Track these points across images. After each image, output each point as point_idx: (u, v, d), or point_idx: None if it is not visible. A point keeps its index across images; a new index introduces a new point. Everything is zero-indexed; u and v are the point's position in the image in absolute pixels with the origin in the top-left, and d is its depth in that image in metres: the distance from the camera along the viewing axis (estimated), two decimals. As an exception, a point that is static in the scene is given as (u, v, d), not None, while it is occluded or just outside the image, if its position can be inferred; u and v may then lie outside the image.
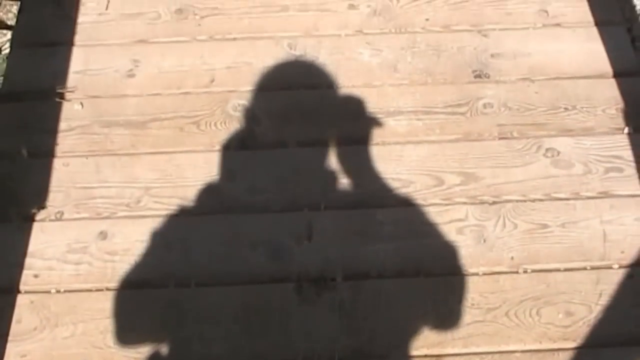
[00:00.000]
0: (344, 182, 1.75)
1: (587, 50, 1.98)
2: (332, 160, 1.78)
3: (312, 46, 1.96)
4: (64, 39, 2.02)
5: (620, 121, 1.86)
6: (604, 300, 1.62)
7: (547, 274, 1.65)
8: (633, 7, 2.07)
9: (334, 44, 1.97)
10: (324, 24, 2.01)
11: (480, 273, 1.65)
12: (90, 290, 1.64)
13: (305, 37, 1.98)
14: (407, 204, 1.73)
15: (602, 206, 1.73)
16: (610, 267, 1.66)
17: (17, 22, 2.10)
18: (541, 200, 1.74)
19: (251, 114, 1.85)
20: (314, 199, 1.73)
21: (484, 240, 1.68)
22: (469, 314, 1.60)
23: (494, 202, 1.73)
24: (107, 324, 1.59)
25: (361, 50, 1.96)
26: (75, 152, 1.82)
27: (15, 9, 2.45)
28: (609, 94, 1.90)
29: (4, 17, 2.48)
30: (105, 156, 1.81)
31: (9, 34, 2.34)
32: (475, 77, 1.92)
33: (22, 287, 1.64)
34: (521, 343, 1.58)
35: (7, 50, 2.10)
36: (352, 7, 2.05)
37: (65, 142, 1.83)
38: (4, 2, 2.43)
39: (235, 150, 1.81)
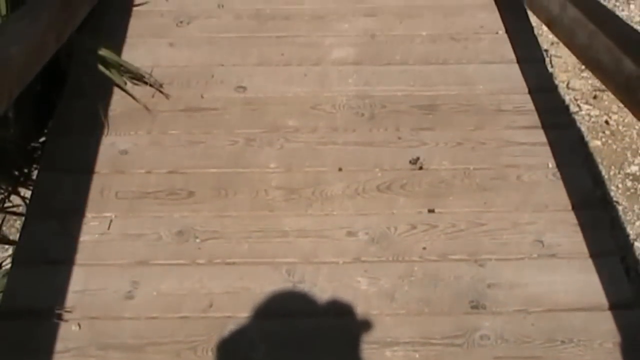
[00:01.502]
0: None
1: (582, 281, 2.10)
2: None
3: (310, 273, 2.08)
4: (65, 257, 2.13)
5: (617, 355, 1.94)
6: None
7: None
8: (626, 236, 2.21)
9: (332, 271, 2.09)
10: (322, 251, 2.13)
11: None
12: None
13: (304, 263, 2.10)
14: None
15: None
16: None
17: (19, 237, 2.22)
18: None
19: (248, 340, 1.93)
20: None
21: None
22: None
23: None
24: None
25: (359, 278, 2.07)
26: (69, 374, 1.88)
27: (18, 224, 2.60)
28: (605, 326, 1.99)
29: (7, 232, 2.62)
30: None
31: (10, 250, 2.47)
32: (472, 307, 2.02)
33: None
34: None
35: (8, 266, 2.21)
36: (350, 234, 2.18)
37: (59, 363, 1.90)
38: (7, 217, 2.58)
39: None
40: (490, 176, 2.36)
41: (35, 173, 2.57)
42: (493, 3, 3.03)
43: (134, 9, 3.00)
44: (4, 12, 2.41)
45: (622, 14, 3.91)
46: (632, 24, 3.74)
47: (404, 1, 3.03)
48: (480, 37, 2.87)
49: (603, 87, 2.29)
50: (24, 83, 1.95)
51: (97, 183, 2.33)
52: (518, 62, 2.77)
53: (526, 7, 2.83)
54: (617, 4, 3.97)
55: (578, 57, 2.28)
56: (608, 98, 3.30)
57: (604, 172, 3.05)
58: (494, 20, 2.94)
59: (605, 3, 3.97)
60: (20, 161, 2.63)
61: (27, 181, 2.60)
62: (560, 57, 3.33)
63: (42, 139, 2.68)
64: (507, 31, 2.90)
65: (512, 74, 2.71)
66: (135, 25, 2.92)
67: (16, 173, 2.61)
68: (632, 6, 3.95)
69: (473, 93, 2.63)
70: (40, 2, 2.28)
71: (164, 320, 1.98)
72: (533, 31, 2.92)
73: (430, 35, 2.87)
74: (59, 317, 1.99)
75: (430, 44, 2.84)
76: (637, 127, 3.21)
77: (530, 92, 2.64)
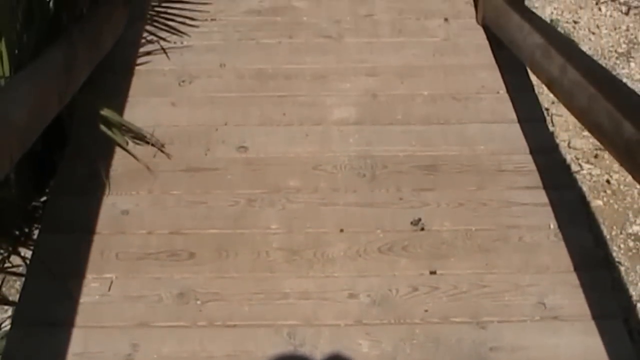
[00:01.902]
0: None
1: (585, 344, 2.11)
2: None
3: (312, 336, 2.09)
4: (64, 318, 2.15)
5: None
6: None
7: None
8: (629, 297, 2.22)
9: (333, 334, 2.10)
10: (323, 313, 2.15)
11: None
12: None
13: (305, 326, 2.12)
14: None
15: None
16: None
17: (19, 298, 2.24)
18: None
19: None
20: None
21: None
22: None
23: None
24: None
25: (360, 341, 2.08)
26: None
27: (18, 284, 2.61)
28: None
29: (6, 293, 2.64)
30: None
31: (10, 311, 2.48)
32: (475, 372, 2.03)
33: None
34: None
35: (7, 328, 2.23)
36: (352, 296, 2.20)
37: None
38: (7, 277, 2.60)
39: None
40: (492, 237, 2.38)
41: (35, 233, 2.59)
42: (494, 62, 3.08)
43: (136, 68, 3.05)
44: (7, 73, 2.46)
45: (623, 71, 3.97)
46: (632, 82, 3.82)
47: (405, 60, 3.08)
48: (481, 97, 2.91)
49: (604, 147, 2.32)
50: (26, 146, 1.99)
51: (97, 243, 2.35)
52: (519, 121, 2.81)
53: (527, 67, 2.88)
54: (618, 61, 4.04)
55: (578, 119, 2.33)
56: (609, 157, 3.34)
57: (605, 232, 3.08)
58: (494, 79, 2.99)
59: (605, 61, 4.04)
60: (20, 221, 2.65)
61: (28, 241, 2.62)
62: (561, 115, 3.38)
63: (43, 199, 2.71)
64: (507, 91, 2.94)
65: (513, 134, 2.75)
66: (137, 84, 2.97)
67: (16, 233, 2.64)
68: (632, 64, 4.02)
69: (474, 153, 2.66)
70: (42, 63, 2.33)
71: (164, 385, 1.99)
72: (534, 90, 2.97)
73: (432, 95, 2.91)
74: (58, 380, 2.00)
75: (431, 103, 2.88)
76: (638, 186, 3.24)
77: (531, 152, 2.68)
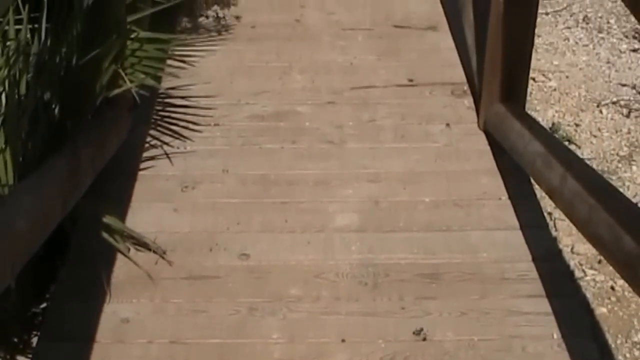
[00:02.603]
0: None
1: None
2: None
3: None
4: None
5: None
6: None
7: None
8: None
9: None
10: None
11: None
12: None
13: None
14: None
15: None
16: None
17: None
18: None
19: None
20: None
21: None
22: None
23: None
24: None
25: None
26: None
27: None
28: None
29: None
30: None
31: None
32: None
33: None
34: None
35: None
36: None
37: None
38: None
39: None
40: (494, 347, 2.39)
41: (34, 340, 2.60)
42: (495, 168, 3.14)
43: (139, 173, 3.11)
44: (10, 181, 2.52)
45: (625, 175, 4.03)
46: (635, 186, 3.88)
47: (408, 166, 3.14)
48: (483, 204, 2.96)
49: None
50: (28, 255, 2.04)
51: (97, 353, 2.37)
52: (521, 228, 2.85)
53: (528, 174, 2.94)
54: (620, 165, 4.10)
55: (578, 229, 2.37)
56: (613, 263, 3.36)
57: (610, 341, 3.08)
58: (497, 186, 3.04)
59: (607, 164, 4.10)
60: (19, 328, 2.67)
61: (26, 349, 2.63)
62: (563, 220, 3.41)
63: (43, 305, 2.73)
64: (510, 197, 2.99)
65: (516, 241, 2.79)
66: (140, 190, 3.02)
67: (15, 340, 2.65)
68: (634, 167, 4.08)
69: (476, 261, 2.70)
70: (46, 172, 2.39)
71: None
72: (536, 196, 3.02)
73: (434, 202, 2.96)
74: None
75: (433, 209, 2.93)
76: (643, 294, 3.26)
77: (534, 260, 2.71)
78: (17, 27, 2.81)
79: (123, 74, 2.94)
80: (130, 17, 3.14)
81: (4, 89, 2.58)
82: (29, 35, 2.82)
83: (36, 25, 2.84)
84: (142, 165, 3.15)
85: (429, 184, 3.06)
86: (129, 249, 2.72)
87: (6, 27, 2.77)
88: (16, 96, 2.59)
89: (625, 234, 2.00)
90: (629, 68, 4.98)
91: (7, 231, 1.95)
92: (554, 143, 2.83)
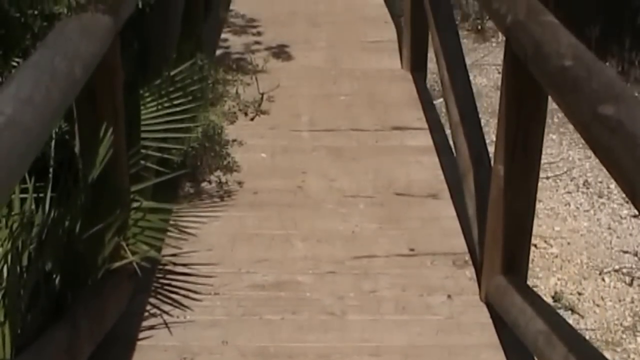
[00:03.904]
0: None
1: None
2: None
3: None
4: None
5: None
6: None
7: None
8: None
9: None
10: None
11: None
12: None
13: None
14: None
15: None
16: None
17: None
18: None
19: None
20: None
21: None
22: None
23: None
24: None
25: None
26: None
27: None
28: None
29: None
30: None
31: None
32: None
33: None
34: None
35: None
36: None
37: None
38: None
39: None
40: None
41: None
42: (498, 342, 3.14)
43: (138, 343, 3.12)
44: (7, 355, 2.53)
45: (630, 346, 4.03)
46: (640, 358, 3.86)
47: (409, 339, 3.15)
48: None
49: None
50: None
51: None
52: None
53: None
54: (624, 336, 4.11)
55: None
56: None
57: None
58: (499, 360, 3.05)
59: (611, 335, 4.11)
60: None
61: None
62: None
63: None
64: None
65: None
66: (138, 361, 3.03)
67: None
68: (639, 338, 4.08)
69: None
70: (44, 346, 2.42)
71: None
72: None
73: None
74: None
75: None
76: None
77: None
78: (23, 195, 2.89)
79: (125, 247, 3.00)
80: (134, 186, 3.24)
81: (7, 263, 2.63)
82: (33, 206, 2.90)
83: (41, 195, 2.93)
84: (141, 335, 3.16)
85: (430, 359, 3.06)
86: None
87: (12, 196, 2.85)
88: (18, 269, 2.63)
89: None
90: (630, 235, 5.06)
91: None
92: (557, 320, 2.84)
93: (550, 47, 2.59)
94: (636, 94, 6.61)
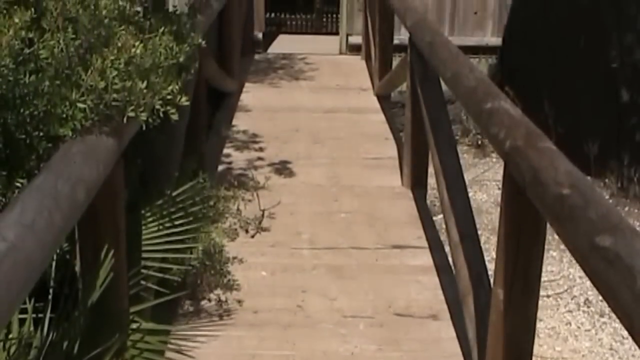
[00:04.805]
0: None
1: None
2: None
3: None
4: None
5: None
6: None
7: None
8: None
9: None
10: None
11: None
12: None
13: None
14: None
15: None
16: None
17: None
18: None
19: None
20: None
21: None
22: None
23: None
24: None
25: None
26: None
27: None
28: None
29: None
30: None
31: None
32: None
33: None
34: None
35: None
36: None
37: None
38: None
39: None
40: None
41: None
42: None
43: None
44: None
45: None
46: None
47: None
48: None
49: None
50: None
51: None
52: None
53: None
54: None
55: None
56: None
57: None
58: None
59: None
60: None
61: None
62: None
63: None
64: None
65: None
66: None
67: None
68: None
69: None
70: None
71: None
72: None
73: None
74: None
75: None
76: None
77: None
78: (22, 316, 2.88)
79: (124, 369, 2.97)
80: (134, 307, 3.23)
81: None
82: (32, 327, 2.88)
83: (40, 315, 2.91)
84: None
85: None
86: None
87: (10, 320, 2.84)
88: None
89: None
90: (632, 356, 5.01)
91: None
92: None
93: (547, 174, 2.62)
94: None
